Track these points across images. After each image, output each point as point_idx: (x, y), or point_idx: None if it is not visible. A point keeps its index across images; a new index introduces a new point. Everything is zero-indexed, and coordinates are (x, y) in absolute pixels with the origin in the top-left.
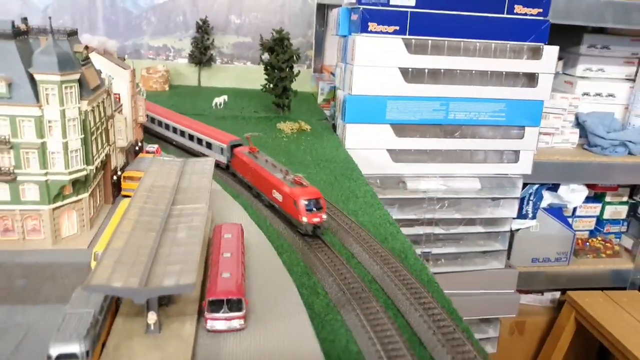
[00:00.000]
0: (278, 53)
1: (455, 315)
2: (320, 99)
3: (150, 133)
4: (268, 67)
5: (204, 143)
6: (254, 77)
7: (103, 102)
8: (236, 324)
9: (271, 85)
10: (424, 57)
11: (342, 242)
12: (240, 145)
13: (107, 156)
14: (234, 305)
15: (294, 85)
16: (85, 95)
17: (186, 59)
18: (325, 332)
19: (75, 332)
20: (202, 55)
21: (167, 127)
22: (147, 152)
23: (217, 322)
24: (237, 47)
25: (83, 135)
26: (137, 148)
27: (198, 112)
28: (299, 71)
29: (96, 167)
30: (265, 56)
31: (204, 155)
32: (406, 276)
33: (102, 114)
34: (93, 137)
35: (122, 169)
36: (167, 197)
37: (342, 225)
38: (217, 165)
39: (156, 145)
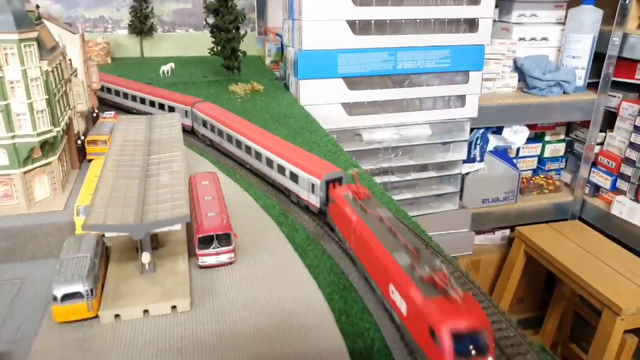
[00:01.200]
0: (223, 14)
1: (425, 235)
2: (268, 61)
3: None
4: (214, 30)
5: (286, 173)
6: (198, 43)
7: (60, 64)
8: (226, 257)
9: (219, 48)
10: (369, 8)
11: None
12: (339, 179)
13: (70, 120)
14: (223, 239)
15: (241, 48)
16: (44, 55)
17: (126, 30)
18: (310, 260)
19: (76, 273)
20: (142, 24)
21: (220, 133)
22: (105, 118)
23: (208, 257)
24: (178, 14)
25: (47, 96)
26: (94, 115)
27: (146, 81)
28: (246, 32)
29: (62, 130)
30: (210, 19)
31: (287, 191)
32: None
33: (61, 77)
34: (56, 99)
35: (85, 135)
36: (142, 149)
37: None
38: (307, 208)
39: (112, 112)
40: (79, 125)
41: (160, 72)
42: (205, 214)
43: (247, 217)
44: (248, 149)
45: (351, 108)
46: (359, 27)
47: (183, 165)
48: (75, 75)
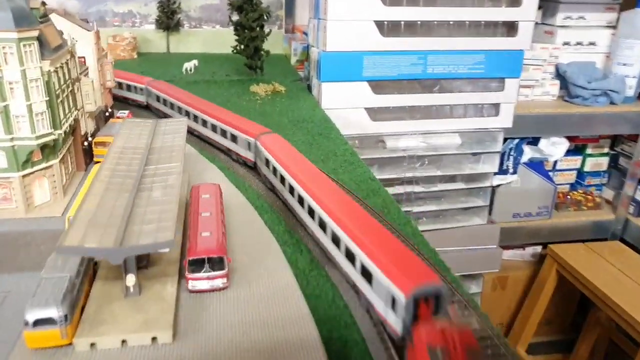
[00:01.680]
0: (247, 11)
1: (443, 266)
2: (293, 60)
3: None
4: (238, 28)
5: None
6: (223, 40)
7: (67, 63)
8: (219, 282)
9: (242, 47)
10: (399, 8)
11: None
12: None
13: (76, 121)
14: (216, 263)
15: (266, 46)
16: (46, 54)
17: (153, 25)
18: (311, 288)
19: (51, 296)
20: (169, 20)
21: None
22: (119, 117)
23: (199, 281)
24: (205, 9)
25: (48, 98)
26: (107, 114)
27: (169, 78)
28: (270, 30)
29: (65, 132)
30: (235, 16)
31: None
32: (390, 229)
33: (67, 76)
34: (59, 100)
35: (93, 135)
36: (140, 157)
37: None
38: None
39: (127, 111)
40: (87, 126)
41: (183, 69)
42: (199, 233)
43: (248, 233)
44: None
45: (375, 113)
46: (388, 28)
47: (179, 179)
48: (86, 74)
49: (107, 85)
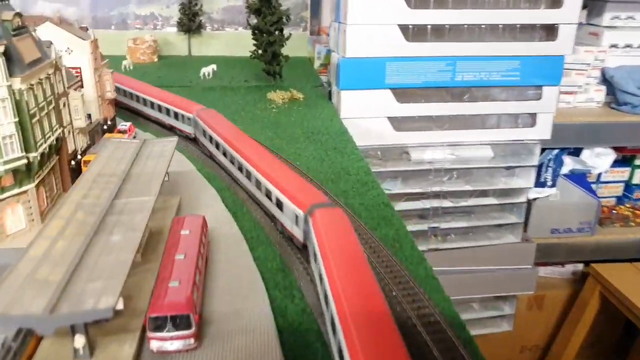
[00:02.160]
0: (265, 15)
1: (457, 321)
2: (317, 64)
3: None
4: (256, 32)
5: None
6: (246, 43)
7: (49, 78)
8: (184, 344)
9: (260, 51)
10: (426, 11)
11: None
12: None
13: (60, 140)
14: (182, 322)
15: (289, 50)
16: (17, 71)
17: (175, 28)
18: (298, 348)
19: None
20: (190, 22)
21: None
22: (119, 130)
23: (162, 342)
24: (228, 11)
25: (17, 119)
26: (104, 127)
27: (184, 83)
28: (290, 34)
29: (42, 154)
30: (253, 19)
31: None
32: (399, 272)
33: (49, 92)
34: (35, 120)
35: (85, 152)
36: (112, 187)
37: None
38: None
39: (129, 123)
40: (77, 143)
41: (201, 74)
42: (166, 283)
43: (233, 274)
44: None
45: (399, 123)
46: (413, 32)
47: (146, 218)
48: (77, 87)
49: (107, 96)
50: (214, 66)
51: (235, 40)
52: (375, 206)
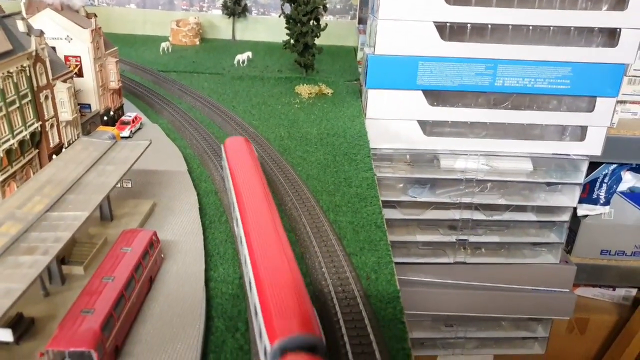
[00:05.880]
0: (299, 4)
1: None
2: (359, 55)
3: None
4: (290, 21)
5: None
6: None
7: (25, 70)
8: None
9: (292, 42)
10: (466, 8)
11: (302, 253)
12: None
13: (37, 134)
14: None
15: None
16: None
17: (220, 10)
18: None
19: None
20: (235, 5)
21: None
22: (123, 122)
23: None
24: None
25: None
26: (105, 118)
27: (217, 70)
28: (326, 25)
29: (11, 149)
30: (287, 8)
31: None
32: (357, 313)
33: (23, 85)
34: (1, 114)
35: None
36: (53, 197)
37: (309, 228)
38: None
39: (134, 114)
40: (60, 137)
41: (235, 61)
42: (79, 311)
43: (177, 297)
44: None
45: (431, 127)
46: (450, 31)
47: (64, 241)
48: (68, 79)
49: (111, 86)
50: (249, 53)
51: (279, 26)
52: (365, 226)
